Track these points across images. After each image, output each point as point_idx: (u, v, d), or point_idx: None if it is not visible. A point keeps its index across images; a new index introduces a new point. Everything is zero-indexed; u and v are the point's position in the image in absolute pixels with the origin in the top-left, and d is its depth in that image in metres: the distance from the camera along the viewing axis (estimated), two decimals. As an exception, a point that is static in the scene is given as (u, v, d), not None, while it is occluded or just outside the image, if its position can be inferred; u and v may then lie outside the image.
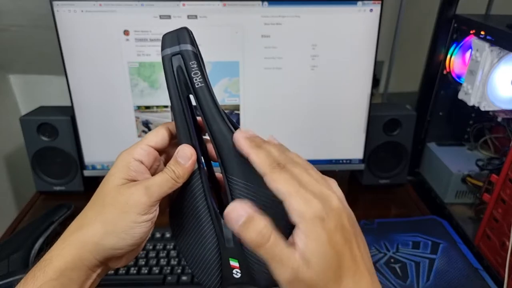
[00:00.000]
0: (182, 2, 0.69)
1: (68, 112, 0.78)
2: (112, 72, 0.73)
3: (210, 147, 0.36)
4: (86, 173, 0.81)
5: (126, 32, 0.70)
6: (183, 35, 0.34)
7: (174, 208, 0.37)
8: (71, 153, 0.80)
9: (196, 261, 0.36)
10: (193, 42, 0.34)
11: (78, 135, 0.78)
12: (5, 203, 0.99)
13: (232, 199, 0.33)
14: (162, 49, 0.34)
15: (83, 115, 0.76)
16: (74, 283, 0.32)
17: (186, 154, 0.35)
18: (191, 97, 0.35)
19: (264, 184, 0.29)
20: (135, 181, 0.34)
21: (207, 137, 0.36)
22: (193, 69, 0.34)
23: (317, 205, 0.28)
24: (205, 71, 0.35)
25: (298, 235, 0.28)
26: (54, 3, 0.68)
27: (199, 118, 0.36)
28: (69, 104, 0.75)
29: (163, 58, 0.34)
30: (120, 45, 0.71)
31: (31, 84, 1.03)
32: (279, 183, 0.29)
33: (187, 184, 0.35)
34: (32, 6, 0.84)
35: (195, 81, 0.34)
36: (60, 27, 0.69)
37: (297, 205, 0.28)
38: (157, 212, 0.35)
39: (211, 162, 0.39)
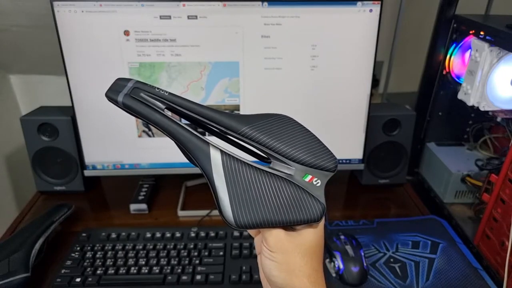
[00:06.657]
0: (182, 3, 0.69)
1: (69, 112, 0.78)
2: (112, 72, 0.73)
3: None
4: (87, 173, 0.81)
5: (126, 33, 0.71)
6: (122, 81, 0.35)
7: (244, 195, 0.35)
8: (72, 153, 0.80)
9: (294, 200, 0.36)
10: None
11: (79, 135, 0.78)
12: (6, 203, 0.99)
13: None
14: (116, 95, 0.34)
15: (83, 115, 0.76)
16: None
17: None
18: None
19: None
20: None
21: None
22: (152, 87, 0.35)
23: None
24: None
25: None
26: (54, 3, 0.68)
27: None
28: (69, 104, 0.75)
29: (123, 102, 0.34)
30: (121, 46, 0.71)
31: (31, 84, 1.03)
32: None
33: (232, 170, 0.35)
34: (32, 6, 0.84)
35: (162, 92, 0.35)
36: (61, 27, 0.70)
37: None
38: None
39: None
